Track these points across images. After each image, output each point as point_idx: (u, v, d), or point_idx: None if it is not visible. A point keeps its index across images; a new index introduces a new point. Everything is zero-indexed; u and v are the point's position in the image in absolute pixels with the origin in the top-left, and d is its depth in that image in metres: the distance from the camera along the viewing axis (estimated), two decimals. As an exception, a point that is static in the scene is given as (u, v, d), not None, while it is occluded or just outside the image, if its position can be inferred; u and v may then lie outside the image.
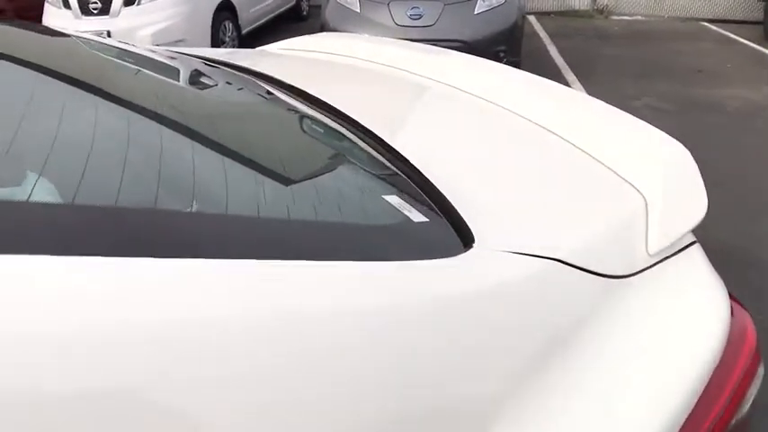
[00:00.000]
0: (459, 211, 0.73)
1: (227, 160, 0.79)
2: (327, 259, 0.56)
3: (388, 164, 0.88)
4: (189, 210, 0.64)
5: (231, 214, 0.64)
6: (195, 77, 1.22)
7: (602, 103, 1.19)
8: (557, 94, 1.27)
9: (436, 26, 4.56)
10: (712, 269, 0.87)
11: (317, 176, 0.82)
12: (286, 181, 0.78)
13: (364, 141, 0.93)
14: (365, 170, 0.87)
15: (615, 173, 0.96)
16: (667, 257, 0.82)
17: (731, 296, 0.85)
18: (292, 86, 1.17)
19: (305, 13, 8.06)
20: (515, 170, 0.94)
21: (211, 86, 1.19)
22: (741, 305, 0.87)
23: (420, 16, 4.59)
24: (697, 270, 0.84)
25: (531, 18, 7.65)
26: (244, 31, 6.24)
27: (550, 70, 5.51)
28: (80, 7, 5.05)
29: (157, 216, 0.60)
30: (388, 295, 0.55)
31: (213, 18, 5.56)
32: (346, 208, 0.74)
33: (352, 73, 1.44)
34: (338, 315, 0.51)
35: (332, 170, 0.86)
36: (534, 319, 0.64)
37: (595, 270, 0.70)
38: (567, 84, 5.07)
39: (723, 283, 0.84)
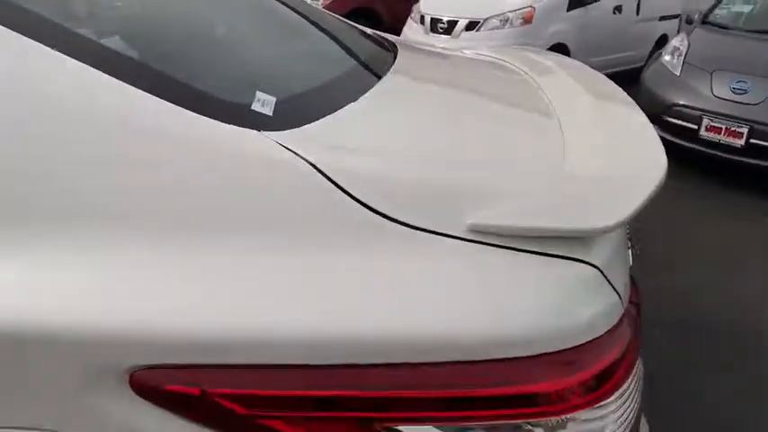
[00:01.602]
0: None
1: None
2: (176, 104, 0.75)
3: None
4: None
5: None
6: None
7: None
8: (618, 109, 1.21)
9: (761, 106, 3.99)
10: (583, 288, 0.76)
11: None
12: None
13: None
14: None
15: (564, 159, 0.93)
16: (505, 247, 0.74)
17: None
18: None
19: (652, 76, 7.71)
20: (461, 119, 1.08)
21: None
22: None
23: (744, 92, 4.08)
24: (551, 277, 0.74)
25: None
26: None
27: None
28: (430, 26, 5.91)
29: None
30: (176, 125, 0.74)
31: (542, 57, 5.85)
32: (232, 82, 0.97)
33: (478, 68, 1.57)
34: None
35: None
36: (254, 199, 0.72)
37: (362, 199, 0.72)
38: None
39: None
